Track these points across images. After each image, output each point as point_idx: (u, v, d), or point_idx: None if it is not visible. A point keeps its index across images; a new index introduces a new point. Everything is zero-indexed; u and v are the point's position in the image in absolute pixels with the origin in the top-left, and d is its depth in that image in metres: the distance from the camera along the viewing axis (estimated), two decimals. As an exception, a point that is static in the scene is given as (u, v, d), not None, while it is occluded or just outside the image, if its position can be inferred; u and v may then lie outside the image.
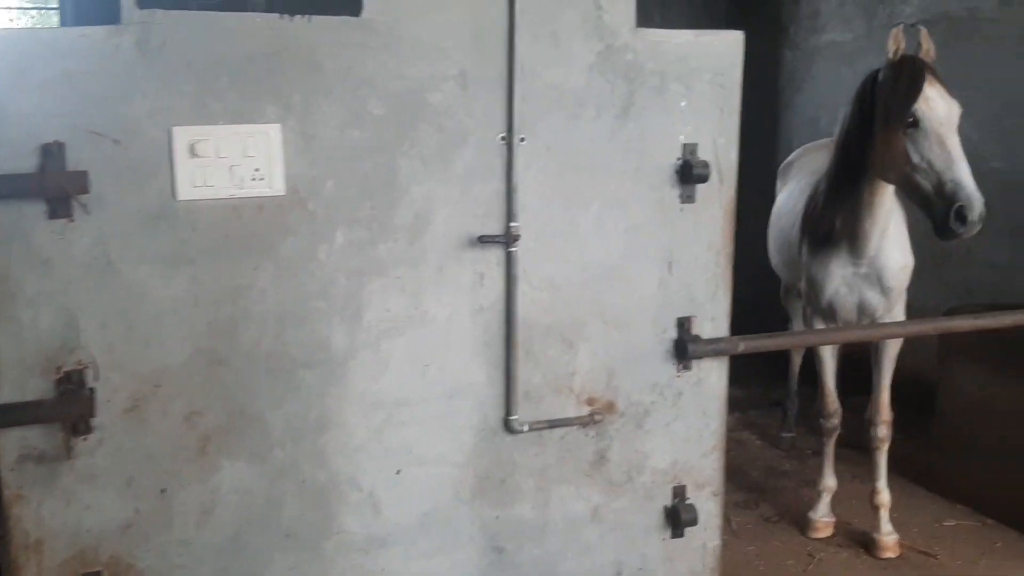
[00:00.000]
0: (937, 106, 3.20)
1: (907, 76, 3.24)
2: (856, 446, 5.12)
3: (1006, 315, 3.15)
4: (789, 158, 4.88)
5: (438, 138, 2.45)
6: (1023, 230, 4.95)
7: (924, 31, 3.36)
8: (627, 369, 2.75)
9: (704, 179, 2.67)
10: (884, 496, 4.03)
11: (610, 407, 2.75)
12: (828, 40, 6.30)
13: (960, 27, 5.26)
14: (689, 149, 2.68)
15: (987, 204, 3.18)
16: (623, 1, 2.55)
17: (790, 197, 4.28)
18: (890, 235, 3.62)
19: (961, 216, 3.08)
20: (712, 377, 2.86)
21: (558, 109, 2.55)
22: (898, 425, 5.29)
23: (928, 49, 3.35)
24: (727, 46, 2.69)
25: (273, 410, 2.43)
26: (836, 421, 4.11)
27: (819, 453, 4.73)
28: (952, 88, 3.40)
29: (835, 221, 3.65)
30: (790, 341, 2.91)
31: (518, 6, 2.44)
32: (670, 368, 2.80)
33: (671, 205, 2.71)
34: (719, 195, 2.75)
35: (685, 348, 2.74)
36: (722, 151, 2.73)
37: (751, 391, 6.20)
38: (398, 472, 2.56)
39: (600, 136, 2.60)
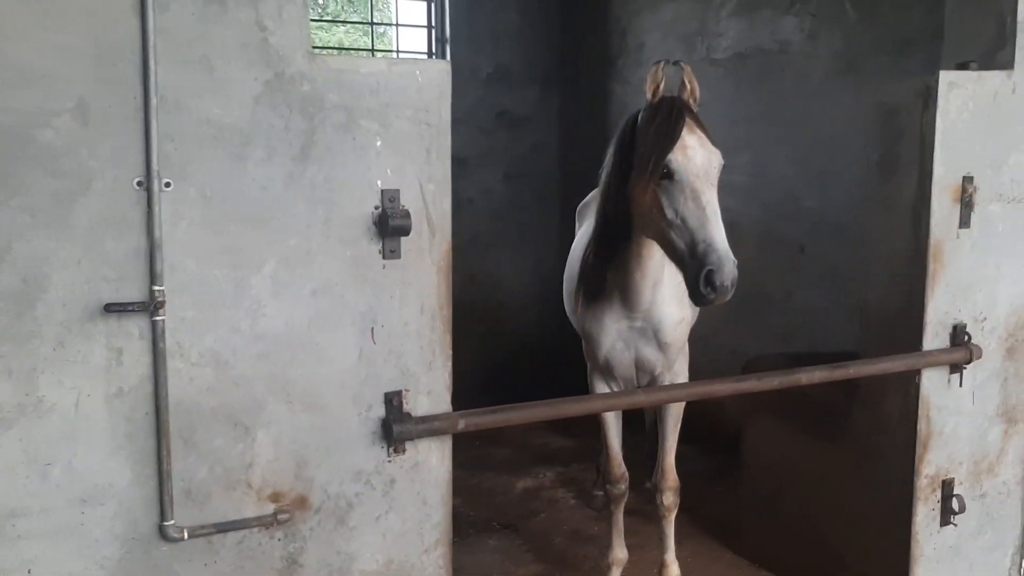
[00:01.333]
0: (695, 156, 2.84)
1: (663, 121, 2.89)
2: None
3: (774, 376, 2.85)
4: (586, 198, 4.55)
5: (51, 185, 1.98)
6: (837, 273, 4.74)
7: (688, 69, 3.01)
8: (323, 456, 2.32)
9: (404, 231, 2.27)
10: (673, 570, 3.69)
11: (301, 503, 2.31)
12: (653, 73, 6.06)
13: (772, 61, 5.08)
14: (389, 196, 2.28)
15: (740, 266, 2.82)
16: (294, 22, 2.14)
17: (579, 242, 3.95)
18: (664, 287, 3.28)
19: (710, 281, 2.69)
20: (432, 460, 2.45)
21: (216, 149, 2.11)
22: (714, 476, 5.04)
23: (693, 89, 3.01)
24: (432, 78, 2.31)
25: None
26: (623, 487, 3.76)
27: (629, 513, 4.41)
28: (717, 132, 3.08)
29: (606, 273, 3.31)
30: (523, 415, 2.52)
31: (153, 24, 2.01)
32: (378, 452, 2.38)
33: (371, 262, 2.30)
34: (431, 249, 2.36)
35: (391, 429, 2.32)
36: (432, 198, 2.34)
37: (579, 441, 5.86)
38: (12, 600, 2.05)
39: (274, 181, 2.18)
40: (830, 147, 4.69)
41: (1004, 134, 3.16)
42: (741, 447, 4.06)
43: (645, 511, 4.39)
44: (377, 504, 2.39)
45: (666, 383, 3.47)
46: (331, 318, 2.27)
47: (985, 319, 3.23)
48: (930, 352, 3.10)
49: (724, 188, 5.45)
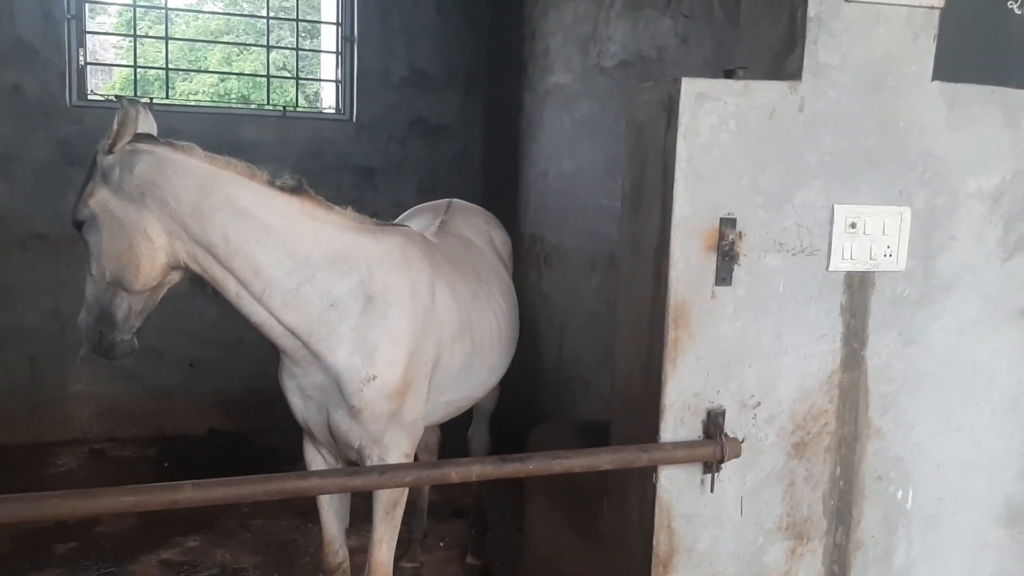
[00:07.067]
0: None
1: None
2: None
3: (414, 469, 2.15)
4: (397, 220, 3.90)
5: None
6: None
7: (141, 109, 2.60)
8: None
9: None
10: None
11: None
12: (555, 82, 5.38)
13: (651, 69, 4.35)
14: None
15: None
16: None
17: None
18: (344, 331, 2.56)
19: None
20: None
21: None
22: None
23: (113, 132, 2.52)
24: None
25: None
26: (342, 579, 3.09)
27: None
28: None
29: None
30: (132, 501, 1.83)
31: None
32: None
33: None
34: None
35: None
36: None
37: (442, 494, 5.17)
38: None
39: None
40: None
41: (787, 164, 2.38)
42: (524, 533, 3.35)
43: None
44: None
45: (374, 462, 2.75)
46: None
47: (759, 404, 2.46)
48: (662, 445, 2.34)
49: (604, 213, 4.78)
